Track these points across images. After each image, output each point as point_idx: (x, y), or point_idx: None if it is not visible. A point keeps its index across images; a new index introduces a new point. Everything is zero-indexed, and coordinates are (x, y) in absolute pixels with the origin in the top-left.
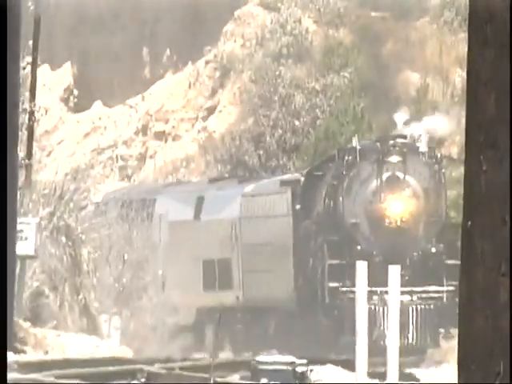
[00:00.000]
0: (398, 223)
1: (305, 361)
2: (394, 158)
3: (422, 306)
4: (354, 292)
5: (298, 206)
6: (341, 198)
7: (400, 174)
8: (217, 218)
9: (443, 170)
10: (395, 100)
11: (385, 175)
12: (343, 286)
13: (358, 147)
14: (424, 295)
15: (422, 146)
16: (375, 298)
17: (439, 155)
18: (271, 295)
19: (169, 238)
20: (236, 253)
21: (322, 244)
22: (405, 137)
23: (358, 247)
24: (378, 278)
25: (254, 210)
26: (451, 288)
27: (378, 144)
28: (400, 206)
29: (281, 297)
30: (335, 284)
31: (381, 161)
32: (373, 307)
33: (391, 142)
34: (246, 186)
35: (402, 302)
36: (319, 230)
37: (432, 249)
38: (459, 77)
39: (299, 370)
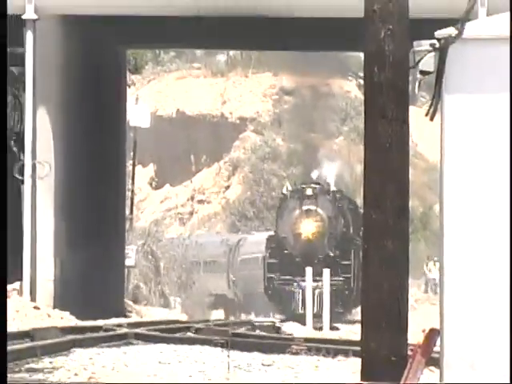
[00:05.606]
0: (311, 237)
1: (279, 320)
2: (310, 197)
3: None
4: (282, 280)
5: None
6: (277, 221)
7: (313, 207)
8: None
9: (340, 205)
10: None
11: (304, 207)
12: (275, 276)
13: (288, 190)
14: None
15: (328, 190)
16: (295, 284)
17: (338, 195)
18: None
19: None
20: None
21: (266, 250)
22: (318, 183)
23: (286, 251)
24: (297, 271)
25: None
26: (343, 279)
27: (300, 187)
28: (312, 227)
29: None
30: (271, 275)
31: (301, 198)
32: (293, 289)
33: (308, 187)
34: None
35: (313, 286)
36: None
37: (331, 253)
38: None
39: (277, 325)
